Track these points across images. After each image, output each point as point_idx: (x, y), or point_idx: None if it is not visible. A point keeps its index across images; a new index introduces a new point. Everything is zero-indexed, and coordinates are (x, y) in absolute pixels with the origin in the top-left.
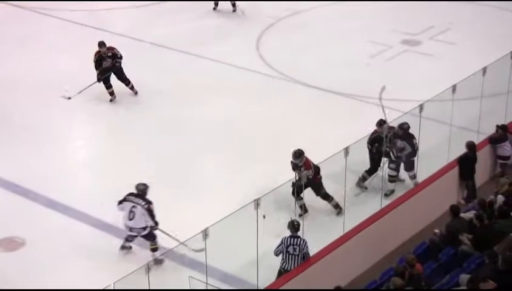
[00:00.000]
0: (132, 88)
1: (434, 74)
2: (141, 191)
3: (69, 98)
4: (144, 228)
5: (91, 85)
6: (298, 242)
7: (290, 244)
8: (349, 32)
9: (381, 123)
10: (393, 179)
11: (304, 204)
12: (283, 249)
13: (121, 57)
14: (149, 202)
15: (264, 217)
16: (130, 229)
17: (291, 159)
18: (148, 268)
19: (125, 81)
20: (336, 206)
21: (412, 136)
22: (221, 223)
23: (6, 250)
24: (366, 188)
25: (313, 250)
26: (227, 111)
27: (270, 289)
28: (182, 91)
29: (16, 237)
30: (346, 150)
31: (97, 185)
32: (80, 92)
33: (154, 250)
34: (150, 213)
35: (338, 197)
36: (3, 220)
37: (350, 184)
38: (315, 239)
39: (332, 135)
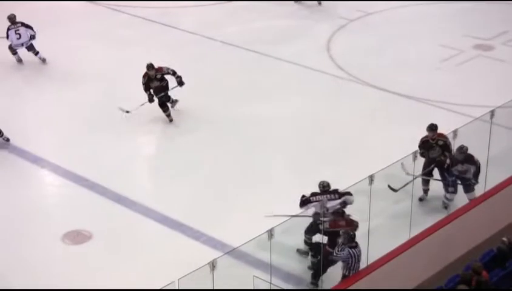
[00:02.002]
0: (169, 115)
1: (506, 80)
2: (327, 187)
3: (127, 111)
4: None
5: (142, 105)
6: (360, 250)
7: (358, 254)
8: (420, 35)
9: (432, 127)
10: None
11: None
12: (352, 261)
13: (174, 74)
14: (338, 192)
15: None
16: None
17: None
18: (212, 266)
19: (164, 107)
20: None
21: (472, 156)
22: (286, 223)
23: (73, 242)
24: (420, 199)
25: (378, 254)
26: (294, 111)
27: (336, 289)
28: (250, 90)
29: (83, 230)
30: (414, 154)
31: (163, 181)
32: (136, 109)
33: None
34: (345, 205)
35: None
36: (71, 214)
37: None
38: (381, 244)
39: (399, 139)
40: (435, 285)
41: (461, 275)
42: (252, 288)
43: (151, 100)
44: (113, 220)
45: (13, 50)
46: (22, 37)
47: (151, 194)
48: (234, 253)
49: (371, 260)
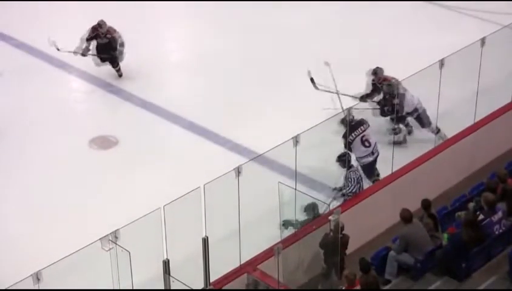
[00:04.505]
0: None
1: None
2: (353, 123)
3: (58, 49)
4: None
5: (72, 52)
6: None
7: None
8: None
9: (375, 71)
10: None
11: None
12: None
13: (121, 45)
14: (365, 123)
15: None
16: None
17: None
18: (238, 172)
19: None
20: None
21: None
22: (312, 131)
23: (100, 147)
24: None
25: (403, 162)
26: (319, 16)
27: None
28: None
29: (110, 136)
30: (441, 62)
31: (189, 88)
32: (70, 52)
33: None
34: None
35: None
36: (98, 119)
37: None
38: (408, 151)
39: (426, 47)
40: (460, 193)
41: (487, 183)
42: (278, 193)
43: (85, 53)
44: (139, 126)
45: None
46: None
47: (177, 100)
48: (260, 159)
49: (396, 168)
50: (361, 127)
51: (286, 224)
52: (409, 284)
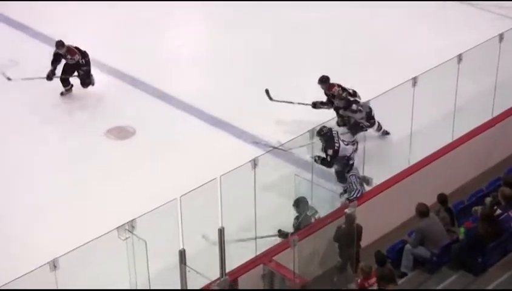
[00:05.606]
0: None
1: None
2: (328, 133)
3: (9, 79)
4: None
5: (37, 78)
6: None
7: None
8: None
9: (321, 80)
10: None
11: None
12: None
13: (84, 64)
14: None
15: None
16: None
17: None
18: (254, 164)
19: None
20: None
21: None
22: (329, 123)
23: (118, 138)
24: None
25: (421, 155)
26: (331, 13)
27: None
28: None
29: (127, 126)
30: (459, 57)
31: (206, 79)
32: (24, 79)
33: None
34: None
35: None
36: (115, 110)
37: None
38: (423, 145)
39: (449, 43)
40: (477, 188)
41: (504, 178)
42: (294, 185)
43: (50, 76)
44: (156, 117)
45: None
46: None
47: (194, 92)
48: (276, 151)
49: (413, 162)
50: (336, 132)
51: (281, 233)
52: (425, 277)
